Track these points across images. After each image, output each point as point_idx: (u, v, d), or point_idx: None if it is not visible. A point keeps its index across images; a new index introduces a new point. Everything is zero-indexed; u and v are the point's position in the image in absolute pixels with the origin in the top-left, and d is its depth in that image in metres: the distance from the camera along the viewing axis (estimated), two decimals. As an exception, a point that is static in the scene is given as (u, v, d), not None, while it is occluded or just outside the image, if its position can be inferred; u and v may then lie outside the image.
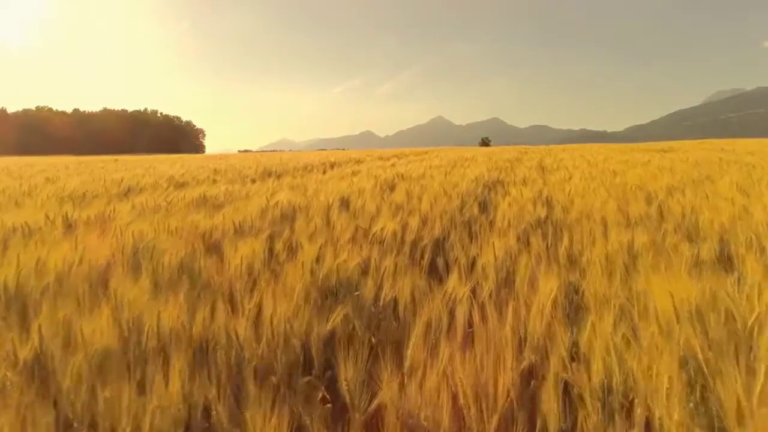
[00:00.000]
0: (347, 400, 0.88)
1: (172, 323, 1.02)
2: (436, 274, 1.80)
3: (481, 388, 0.84)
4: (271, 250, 1.70)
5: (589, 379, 0.89)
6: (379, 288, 1.32)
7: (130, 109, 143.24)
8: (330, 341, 1.17)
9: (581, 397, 0.89)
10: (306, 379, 1.09)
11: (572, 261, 1.71)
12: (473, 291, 1.31)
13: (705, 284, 1.04)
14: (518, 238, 2.05)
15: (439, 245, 2.10)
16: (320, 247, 1.52)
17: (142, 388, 0.84)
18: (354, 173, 5.37)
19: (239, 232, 1.95)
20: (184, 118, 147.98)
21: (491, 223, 2.49)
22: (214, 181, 4.82)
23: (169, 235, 1.80)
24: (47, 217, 2.09)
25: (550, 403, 0.86)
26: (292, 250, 1.67)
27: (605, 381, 0.88)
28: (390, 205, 2.79)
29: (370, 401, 0.87)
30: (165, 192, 3.45)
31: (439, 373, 0.85)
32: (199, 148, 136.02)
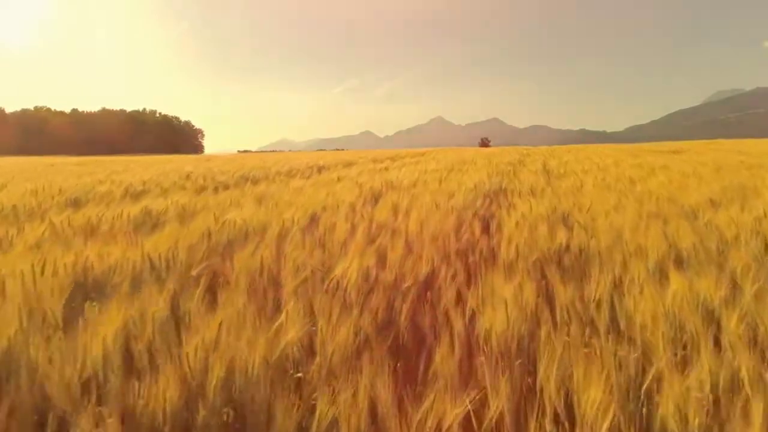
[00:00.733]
0: None
1: None
2: (412, 355, 1.26)
3: None
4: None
5: None
6: (310, 410, 0.79)
7: (129, 109, 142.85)
8: None
9: None
10: None
11: (619, 330, 1.17)
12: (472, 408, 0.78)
13: None
14: (533, 279, 1.52)
15: (424, 290, 1.57)
16: (237, 314, 0.99)
17: None
18: (339, 179, 4.84)
19: (137, 281, 1.40)
20: (183, 119, 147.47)
21: (494, 253, 1.95)
22: (183, 188, 4.28)
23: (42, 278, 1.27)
24: None
25: None
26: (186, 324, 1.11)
27: None
28: (369, 225, 2.26)
29: None
30: (110, 205, 2.92)
31: None
32: (198, 149, 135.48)
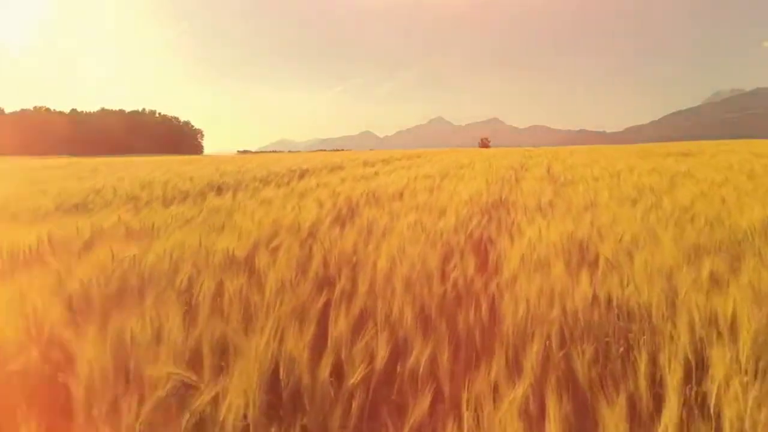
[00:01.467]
0: None
1: None
2: None
3: None
4: None
5: None
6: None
7: (128, 109, 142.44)
8: None
9: None
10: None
11: None
12: None
13: None
14: (553, 375, 0.94)
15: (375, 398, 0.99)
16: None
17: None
18: (319, 186, 4.26)
19: None
20: (183, 119, 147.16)
21: (494, 314, 1.38)
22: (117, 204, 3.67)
23: None
24: None
25: None
26: None
27: None
28: (322, 264, 1.68)
29: None
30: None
31: None
32: (197, 149, 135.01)
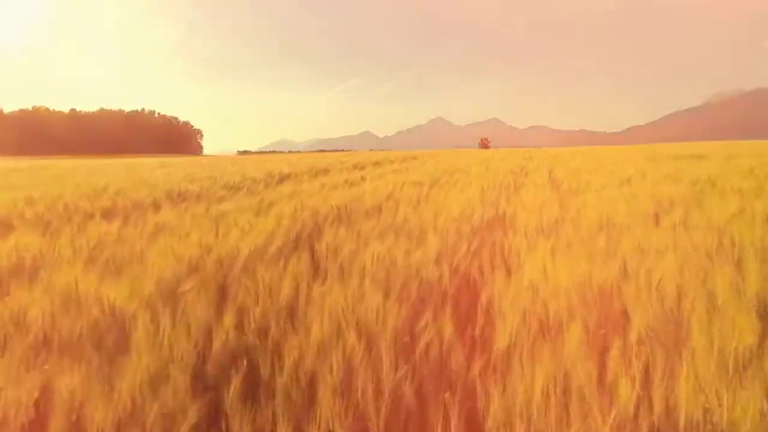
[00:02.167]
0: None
1: None
2: None
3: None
4: None
5: None
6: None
7: (127, 109, 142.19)
8: None
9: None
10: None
11: None
12: None
13: None
14: None
15: None
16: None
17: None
18: (292, 194, 3.74)
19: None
20: (182, 119, 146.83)
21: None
22: None
23: None
24: None
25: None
26: None
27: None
28: (233, 328, 1.17)
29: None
30: None
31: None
32: (196, 149, 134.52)
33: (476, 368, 1.07)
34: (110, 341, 1.13)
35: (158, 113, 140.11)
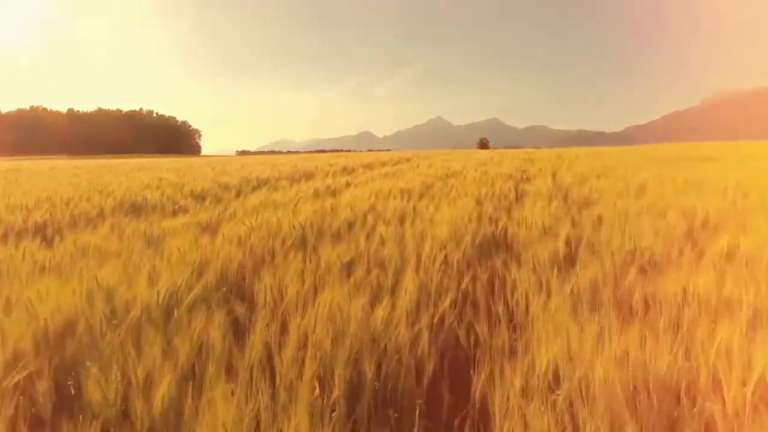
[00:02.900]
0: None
1: None
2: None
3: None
4: None
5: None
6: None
7: (125, 109, 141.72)
8: None
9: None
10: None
11: None
12: None
13: None
14: None
15: None
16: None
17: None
18: (257, 207, 3.22)
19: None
20: (181, 119, 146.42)
21: None
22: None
23: None
24: None
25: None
26: None
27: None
28: None
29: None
30: None
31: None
32: (195, 149, 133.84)
33: None
34: None
35: (156, 113, 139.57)
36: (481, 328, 1.29)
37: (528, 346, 1.09)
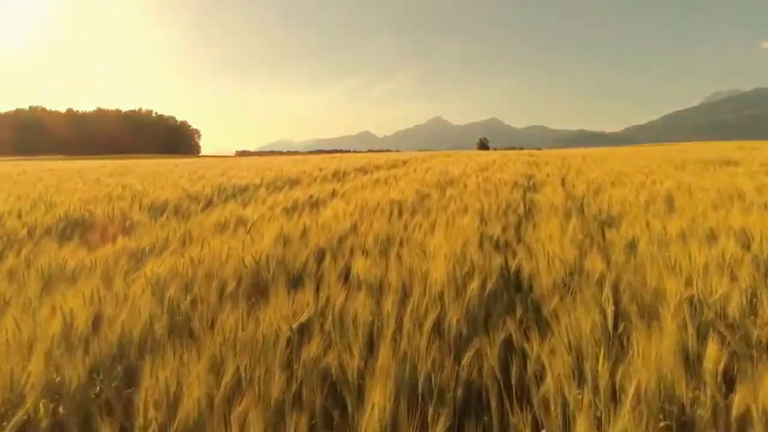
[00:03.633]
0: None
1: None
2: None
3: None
4: None
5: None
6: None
7: (124, 109, 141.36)
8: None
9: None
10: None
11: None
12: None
13: None
14: None
15: None
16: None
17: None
18: (192, 235, 2.67)
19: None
20: (180, 119, 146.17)
21: None
22: None
23: None
24: None
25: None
26: None
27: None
28: None
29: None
30: None
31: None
32: (194, 149, 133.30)
33: None
34: None
35: (156, 113, 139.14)
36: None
37: None
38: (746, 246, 2.07)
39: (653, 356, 1.05)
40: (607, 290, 1.50)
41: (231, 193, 4.48)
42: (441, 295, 1.48)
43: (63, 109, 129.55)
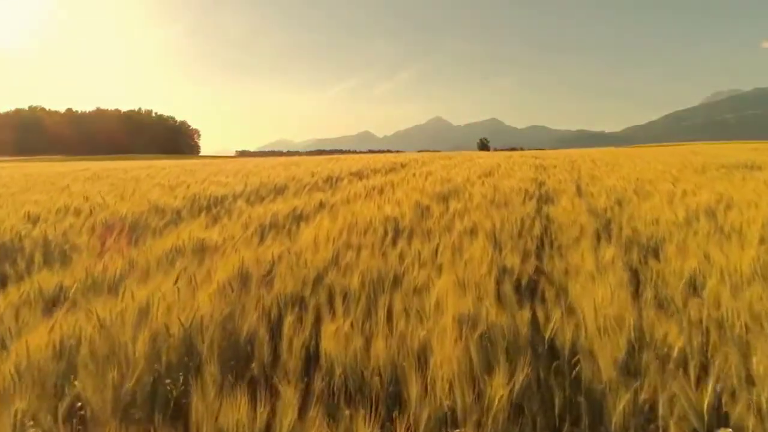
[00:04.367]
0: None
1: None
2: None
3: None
4: None
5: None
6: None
7: (124, 109, 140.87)
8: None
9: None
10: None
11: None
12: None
13: None
14: None
15: None
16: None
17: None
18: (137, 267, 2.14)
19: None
20: (180, 119, 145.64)
21: None
22: None
23: None
24: None
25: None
26: None
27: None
28: None
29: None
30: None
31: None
32: (194, 149, 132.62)
33: None
34: None
35: (155, 113, 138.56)
36: None
37: None
38: None
39: None
40: (696, 377, 0.96)
41: (205, 205, 3.95)
42: (452, 407, 0.95)
43: (63, 109, 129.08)
